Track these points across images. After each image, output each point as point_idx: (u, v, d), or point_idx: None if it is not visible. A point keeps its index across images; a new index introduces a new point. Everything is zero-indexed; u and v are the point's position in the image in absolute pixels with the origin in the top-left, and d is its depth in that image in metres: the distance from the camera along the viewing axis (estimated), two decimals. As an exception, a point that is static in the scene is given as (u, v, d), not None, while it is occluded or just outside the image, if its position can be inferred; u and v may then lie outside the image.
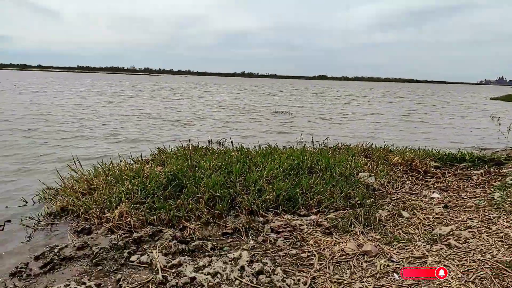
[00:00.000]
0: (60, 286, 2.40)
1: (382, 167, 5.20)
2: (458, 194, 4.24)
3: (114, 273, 2.66)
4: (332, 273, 2.51)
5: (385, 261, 2.66)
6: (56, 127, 9.99)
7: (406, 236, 3.10)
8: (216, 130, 10.20)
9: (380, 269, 2.56)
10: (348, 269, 2.58)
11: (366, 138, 7.52)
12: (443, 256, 2.69)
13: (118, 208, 3.56)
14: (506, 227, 3.19)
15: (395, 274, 2.50)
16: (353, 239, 3.02)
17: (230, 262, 2.67)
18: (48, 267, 2.77)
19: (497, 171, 5.24)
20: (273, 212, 3.76)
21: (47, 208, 3.87)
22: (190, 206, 3.70)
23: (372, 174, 4.81)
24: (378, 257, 2.74)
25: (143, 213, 3.54)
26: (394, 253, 2.78)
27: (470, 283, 2.31)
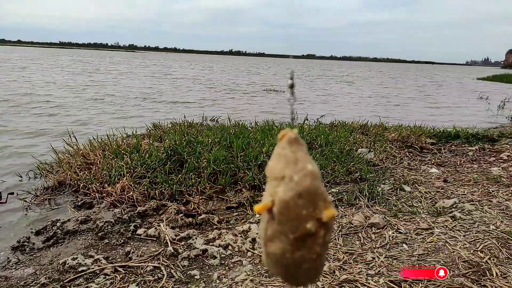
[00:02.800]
0: (67, 260, 2.35)
1: (379, 143, 5.22)
2: (456, 169, 4.31)
3: (121, 246, 2.62)
4: (342, 244, 2.52)
5: (393, 233, 2.69)
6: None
7: (410, 209, 3.13)
8: (208, 108, 10.07)
9: (389, 240, 2.58)
10: (358, 240, 2.59)
11: (359, 116, 7.52)
12: (449, 228, 2.74)
13: (120, 182, 3.49)
14: (506, 200, 3.26)
15: (404, 244, 2.53)
16: (359, 212, 3.04)
17: (240, 235, 2.66)
18: (52, 241, 2.71)
19: (491, 147, 5.34)
20: (276, 186, 3.75)
21: (45, 182, 3.77)
22: (192, 181, 3.66)
23: (371, 150, 4.83)
24: (385, 228, 2.76)
25: (145, 187, 3.48)
26: (401, 225, 2.81)
27: (478, 252, 2.35)
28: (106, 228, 2.85)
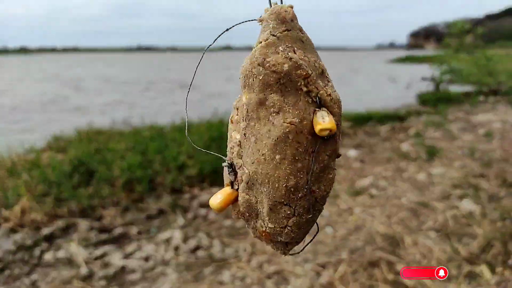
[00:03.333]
0: (-48, 305, 1.96)
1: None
2: (371, 149, 4.60)
3: (27, 275, 2.28)
4: (270, 237, 2.49)
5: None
6: None
7: (332, 192, 3.24)
8: (120, 111, 9.46)
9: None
10: (284, 230, 2.59)
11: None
12: (367, 205, 2.88)
13: (19, 203, 3.05)
14: (414, 173, 3.55)
15: (327, 228, 2.60)
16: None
17: (162, 244, 2.48)
18: None
19: (400, 125, 5.84)
20: (199, 187, 3.62)
21: None
22: (105, 192, 3.35)
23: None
24: (309, 214, 2.81)
25: (51, 205, 3.08)
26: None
27: (394, 225, 2.50)
28: (7, 258, 2.48)
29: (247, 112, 0.38)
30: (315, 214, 0.40)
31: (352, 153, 4.45)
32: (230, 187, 0.43)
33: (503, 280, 1.85)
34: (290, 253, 0.47)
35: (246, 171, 0.39)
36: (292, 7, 0.37)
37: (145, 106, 10.45)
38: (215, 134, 4.80)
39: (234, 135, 0.41)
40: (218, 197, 0.43)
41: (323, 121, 0.35)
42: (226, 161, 0.43)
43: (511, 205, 2.60)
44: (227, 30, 0.42)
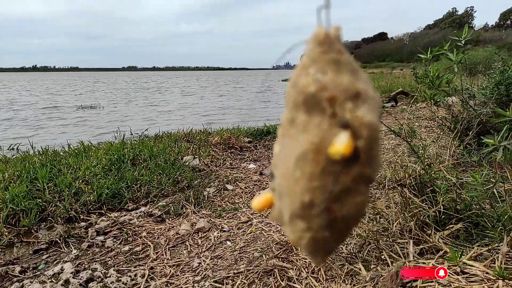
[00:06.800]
0: None
1: (204, 148, 5.41)
2: (269, 162, 4.84)
3: None
4: (170, 258, 2.46)
5: (218, 233, 2.80)
6: None
7: (233, 206, 3.33)
8: (6, 138, 8.46)
9: (215, 241, 2.67)
10: (185, 249, 2.59)
11: (186, 125, 7.64)
12: (264, 216, 3.03)
13: None
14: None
15: (228, 241, 2.66)
16: (186, 220, 3.05)
17: (50, 280, 2.28)
18: None
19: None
20: (97, 213, 3.41)
21: None
22: (-18, 229, 2.97)
23: (196, 156, 4.95)
24: (211, 230, 2.85)
25: None
26: (224, 224, 2.96)
27: (288, 233, 2.67)
28: None
29: (282, 128, 0.41)
30: (336, 233, 0.41)
31: (251, 166, 4.64)
32: (272, 192, 0.44)
33: (376, 275, 2.09)
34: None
35: (276, 182, 0.41)
36: (338, 28, 0.37)
37: (39, 131, 9.51)
38: (115, 156, 4.58)
39: (275, 147, 0.42)
40: (259, 199, 0.45)
41: (339, 144, 0.35)
42: (270, 169, 0.45)
43: (382, 205, 2.97)
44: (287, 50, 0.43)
